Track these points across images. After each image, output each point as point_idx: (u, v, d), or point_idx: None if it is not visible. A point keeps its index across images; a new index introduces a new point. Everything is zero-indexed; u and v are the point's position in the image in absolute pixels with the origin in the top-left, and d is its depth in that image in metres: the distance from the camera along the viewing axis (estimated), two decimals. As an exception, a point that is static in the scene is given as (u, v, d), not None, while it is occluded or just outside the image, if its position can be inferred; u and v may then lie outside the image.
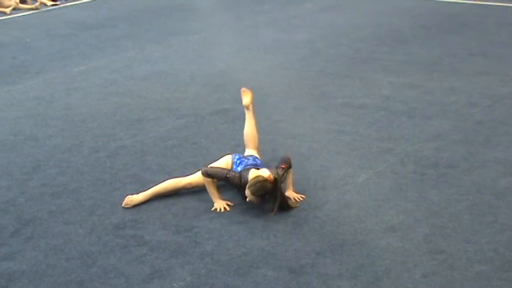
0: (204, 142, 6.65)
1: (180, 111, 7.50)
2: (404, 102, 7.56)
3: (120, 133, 6.95)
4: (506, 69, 8.66)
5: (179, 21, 12.07)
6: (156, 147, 6.57)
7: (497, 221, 5.06)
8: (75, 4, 14.04)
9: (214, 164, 5.57)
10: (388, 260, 4.60)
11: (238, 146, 6.19)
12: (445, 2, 12.92)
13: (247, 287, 4.39)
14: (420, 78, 8.39)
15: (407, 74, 8.55)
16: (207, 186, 5.40)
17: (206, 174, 5.38)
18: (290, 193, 5.45)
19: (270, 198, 5.20)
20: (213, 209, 5.33)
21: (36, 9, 13.51)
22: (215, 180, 5.43)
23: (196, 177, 5.55)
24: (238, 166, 5.47)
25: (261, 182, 5.13)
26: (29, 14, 13.22)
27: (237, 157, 5.58)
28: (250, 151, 5.78)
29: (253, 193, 5.14)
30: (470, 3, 12.64)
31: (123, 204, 5.41)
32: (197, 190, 5.58)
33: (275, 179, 5.16)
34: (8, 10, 13.20)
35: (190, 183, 5.57)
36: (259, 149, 5.84)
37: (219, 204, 5.36)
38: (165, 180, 5.60)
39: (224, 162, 5.59)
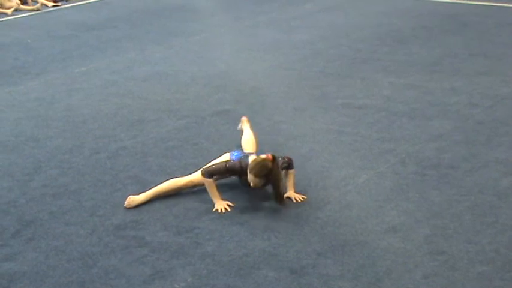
0: (204, 143, 6.66)
1: (180, 112, 7.51)
2: (405, 103, 7.56)
3: (121, 134, 6.96)
4: (507, 69, 8.66)
5: (179, 22, 12.08)
6: (156, 148, 6.57)
7: (499, 222, 5.06)
8: (76, 5, 14.05)
9: (212, 162, 5.60)
10: (389, 261, 4.60)
11: (239, 147, 6.19)
12: (445, 2, 12.93)
13: (249, 288, 4.40)
14: (421, 78, 8.39)
15: (408, 75, 8.55)
16: (207, 187, 5.41)
17: (207, 175, 5.39)
18: (291, 194, 5.45)
19: (271, 180, 5.21)
20: (214, 210, 5.33)
21: (37, 10, 13.53)
22: (216, 180, 5.44)
23: (197, 176, 5.56)
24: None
25: (261, 161, 5.19)
26: (30, 15, 13.23)
27: (235, 154, 5.61)
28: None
29: (256, 175, 5.17)
30: (470, 4, 12.64)
31: (125, 205, 5.41)
32: (198, 191, 5.58)
33: (273, 156, 5.22)
34: (9, 11, 13.21)
35: (191, 181, 5.58)
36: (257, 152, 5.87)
37: (220, 204, 5.36)
38: (165, 181, 5.61)
39: (223, 159, 5.62)
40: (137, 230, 5.10)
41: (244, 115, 6.57)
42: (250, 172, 5.20)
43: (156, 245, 4.89)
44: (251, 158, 5.33)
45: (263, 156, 5.27)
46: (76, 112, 7.62)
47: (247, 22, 11.85)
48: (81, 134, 6.98)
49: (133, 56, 9.89)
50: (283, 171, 5.46)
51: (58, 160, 6.38)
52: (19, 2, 13.69)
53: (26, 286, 4.49)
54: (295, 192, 5.48)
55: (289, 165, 5.49)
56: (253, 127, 6.33)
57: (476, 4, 12.58)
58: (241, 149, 5.89)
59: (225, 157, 5.65)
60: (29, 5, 13.85)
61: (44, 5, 13.81)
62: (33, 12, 13.39)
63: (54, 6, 13.83)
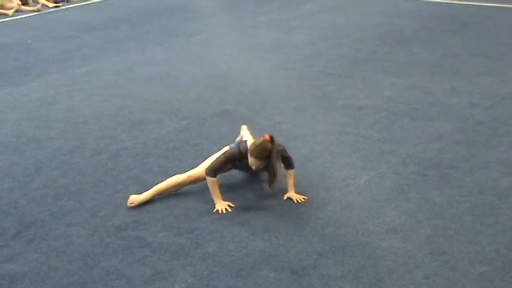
0: (205, 144, 6.66)
1: (181, 113, 7.51)
2: (406, 103, 7.56)
3: (122, 135, 6.96)
4: (507, 69, 8.66)
5: (180, 22, 12.09)
6: (157, 149, 6.57)
7: (499, 222, 5.06)
8: (76, 6, 14.06)
9: (212, 157, 5.62)
10: (389, 261, 4.60)
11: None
12: (446, 3, 12.93)
13: (249, 289, 4.41)
14: (421, 79, 8.40)
15: (408, 75, 8.55)
16: (210, 187, 5.40)
17: (211, 173, 5.38)
18: (292, 194, 5.46)
19: (270, 161, 5.25)
20: (214, 210, 5.33)
21: (38, 11, 13.54)
22: (219, 179, 5.45)
23: (196, 171, 5.58)
24: None
25: (261, 144, 5.24)
26: (31, 16, 13.24)
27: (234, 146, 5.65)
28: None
29: (257, 156, 5.21)
30: (471, 4, 12.64)
31: (128, 203, 5.42)
32: (198, 191, 5.59)
33: (271, 136, 5.26)
34: (10, 12, 13.23)
35: (190, 176, 5.58)
36: None
37: (221, 205, 5.36)
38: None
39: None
40: (138, 230, 5.11)
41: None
42: (251, 155, 5.25)
43: (157, 245, 4.90)
44: (249, 142, 5.39)
45: (262, 138, 5.32)
46: (77, 113, 7.63)
47: (248, 22, 11.86)
48: (82, 135, 6.99)
49: (134, 56, 9.90)
50: (284, 171, 5.46)
51: (59, 161, 6.39)
52: (20, 2, 13.71)
53: (26, 287, 4.49)
54: (296, 192, 5.48)
55: (289, 165, 5.49)
56: (253, 128, 6.30)
57: (477, 5, 12.58)
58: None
59: (224, 150, 5.65)
60: (29, 6, 13.87)
61: (45, 6, 13.83)
62: (34, 13, 13.41)
63: (55, 6, 13.85)
